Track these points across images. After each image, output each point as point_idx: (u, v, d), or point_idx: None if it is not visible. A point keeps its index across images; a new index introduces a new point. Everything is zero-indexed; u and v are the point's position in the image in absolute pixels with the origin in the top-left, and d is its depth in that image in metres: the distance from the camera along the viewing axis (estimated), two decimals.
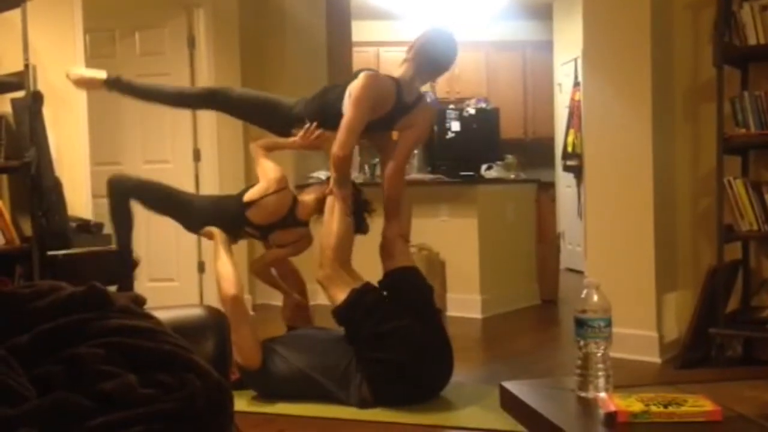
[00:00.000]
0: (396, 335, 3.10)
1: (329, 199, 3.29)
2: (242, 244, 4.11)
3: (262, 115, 3.55)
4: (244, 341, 3.20)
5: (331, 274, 3.21)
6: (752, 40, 3.49)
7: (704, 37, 3.84)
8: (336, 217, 3.23)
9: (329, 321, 3.59)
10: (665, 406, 1.32)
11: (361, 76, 3.18)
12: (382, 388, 3.10)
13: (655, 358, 3.82)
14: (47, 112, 4.02)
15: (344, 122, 3.15)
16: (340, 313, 3.19)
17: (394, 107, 3.25)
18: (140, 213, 3.67)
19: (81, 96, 4.53)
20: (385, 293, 3.27)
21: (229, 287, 3.26)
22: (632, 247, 3.87)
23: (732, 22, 3.52)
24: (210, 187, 5.19)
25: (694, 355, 3.70)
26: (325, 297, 3.31)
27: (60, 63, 4.43)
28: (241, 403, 3.17)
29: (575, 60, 7.15)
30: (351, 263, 3.31)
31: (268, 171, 3.44)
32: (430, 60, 3.28)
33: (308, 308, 3.71)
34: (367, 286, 3.22)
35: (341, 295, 3.17)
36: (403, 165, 3.41)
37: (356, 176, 5.82)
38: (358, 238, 3.40)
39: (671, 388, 1.50)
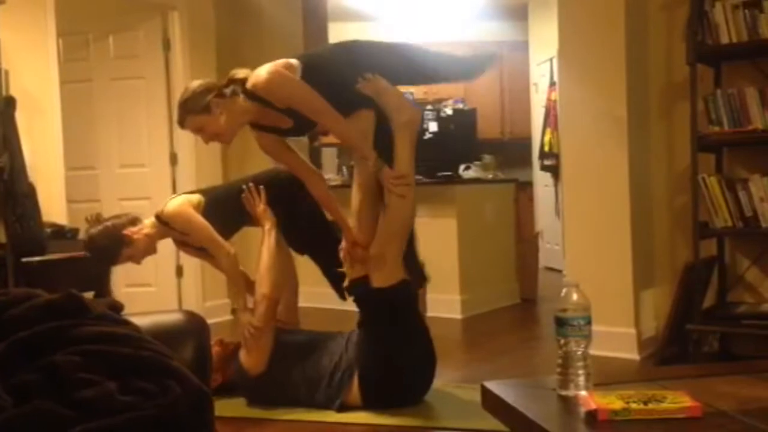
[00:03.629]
0: (406, 342, 3.08)
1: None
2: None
3: None
4: (264, 347, 3.16)
5: (390, 256, 3.08)
6: (725, 39, 3.53)
7: (678, 37, 3.88)
8: (400, 202, 3.10)
9: (315, 323, 3.59)
10: (645, 403, 1.33)
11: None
12: (378, 395, 3.09)
13: (634, 355, 3.85)
14: (20, 117, 3.98)
15: None
16: (380, 293, 3.07)
17: None
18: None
19: (55, 100, 4.49)
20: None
21: (267, 285, 3.20)
22: (610, 245, 3.90)
23: (705, 21, 3.57)
24: None
25: (671, 351, 3.73)
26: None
27: (33, 67, 4.38)
28: (224, 408, 3.14)
29: (551, 60, 7.19)
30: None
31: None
32: None
33: (297, 308, 3.68)
34: (408, 281, 3.15)
35: (387, 278, 3.06)
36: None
37: (334, 178, 5.82)
38: None
39: (650, 384, 1.51)
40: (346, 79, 3.01)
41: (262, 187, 3.32)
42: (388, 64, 3.08)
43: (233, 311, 3.42)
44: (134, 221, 3.36)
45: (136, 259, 3.40)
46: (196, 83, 3.07)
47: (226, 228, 3.40)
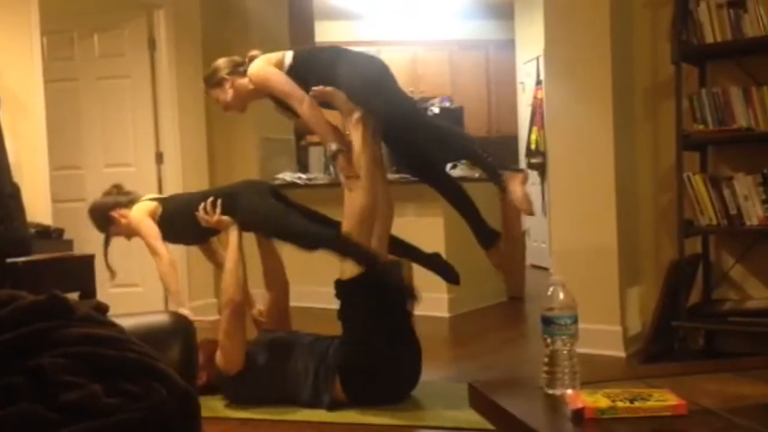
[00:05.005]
0: (381, 333, 3.11)
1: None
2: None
3: None
4: (235, 348, 3.18)
5: None
6: (709, 38, 3.56)
7: (663, 36, 3.90)
8: (359, 193, 3.16)
9: (307, 324, 3.58)
10: (631, 401, 1.34)
11: None
12: (358, 387, 3.10)
13: (620, 353, 3.87)
14: (4, 116, 3.94)
15: None
16: (345, 285, 3.14)
17: None
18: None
19: (39, 99, 4.45)
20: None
21: (235, 291, 3.26)
22: (596, 243, 3.91)
23: (689, 20, 3.59)
24: (173, 191, 5.12)
25: (656, 348, 3.75)
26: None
27: (17, 66, 4.35)
28: (210, 408, 3.13)
29: (537, 58, 7.21)
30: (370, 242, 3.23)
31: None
32: None
33: (288, 309, 3.68)
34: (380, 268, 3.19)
35: (352, 270, 3.12)
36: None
37: (321, 177, 5.81)
38: None
39: (637, 382, 1.52)
40: (329, 81, 3.20)
41: (212, 199, 3.38)
42: (359, 79, 3.20)
43: (220, 311, 3.46)
44: (129, 204, 3.61)
45: (124, 236, 3.66)
46: (221, 60, 3.48)
47: (178, 238, 3.66)
